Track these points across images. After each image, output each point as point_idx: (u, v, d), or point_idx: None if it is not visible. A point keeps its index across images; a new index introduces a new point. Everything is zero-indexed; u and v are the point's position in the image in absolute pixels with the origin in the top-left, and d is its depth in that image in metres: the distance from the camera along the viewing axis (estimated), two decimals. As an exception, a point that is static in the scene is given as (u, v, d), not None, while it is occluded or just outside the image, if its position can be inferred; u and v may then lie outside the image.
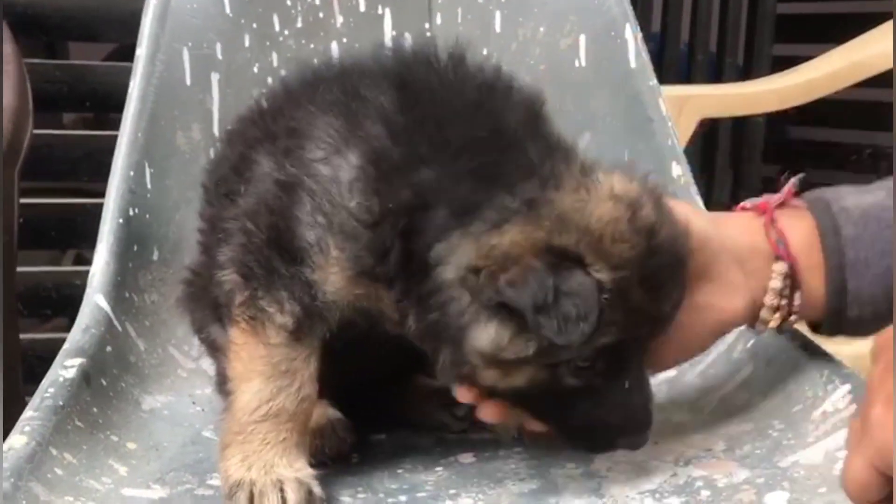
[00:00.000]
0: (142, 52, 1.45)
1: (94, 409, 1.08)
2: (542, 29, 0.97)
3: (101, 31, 2.36)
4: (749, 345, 1.21)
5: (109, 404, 1.13)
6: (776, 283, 1.01)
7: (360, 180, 0.94)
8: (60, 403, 1.02)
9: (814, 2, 3.76)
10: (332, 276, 0.96)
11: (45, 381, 1.07)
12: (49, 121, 2.31)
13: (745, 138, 3.16)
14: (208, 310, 1.17)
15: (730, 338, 1.24)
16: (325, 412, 1.09)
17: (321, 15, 1.53)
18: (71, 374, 1.08)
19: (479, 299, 0.88)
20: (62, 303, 2.27)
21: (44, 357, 2.00)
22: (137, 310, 1.33)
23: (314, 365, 0.99)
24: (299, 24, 1.53)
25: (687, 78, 3.05)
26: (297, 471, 0.95)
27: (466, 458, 1.07)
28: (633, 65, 1.52)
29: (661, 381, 1.27)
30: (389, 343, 1.03)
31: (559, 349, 0.87)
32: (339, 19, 1.54)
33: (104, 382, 1.14)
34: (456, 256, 0.89)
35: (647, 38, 1.85)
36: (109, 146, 2.18)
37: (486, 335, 0.89)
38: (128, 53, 3.04)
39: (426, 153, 0.93)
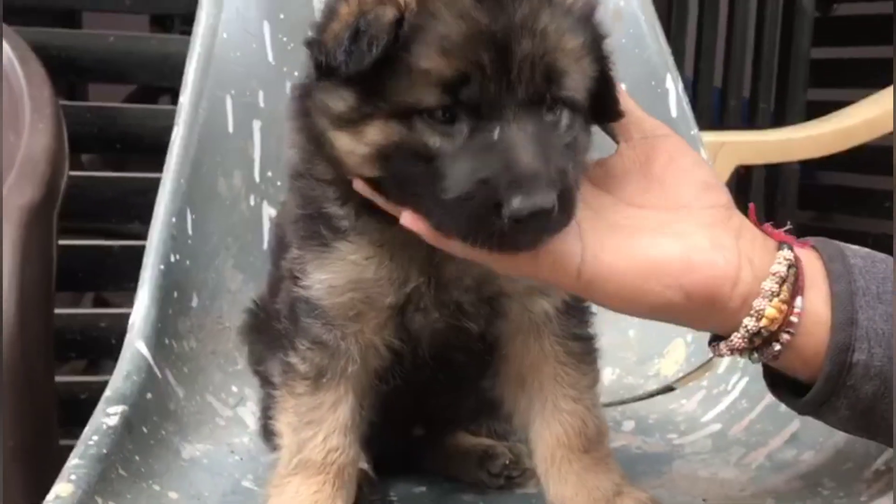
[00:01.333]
0: (185, 99, 1.49)
1: (137, 458, 1.11)
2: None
3: (130, 73, 2.42)
4: (796, 399, 1.23)
5: (150, 453, 1.15)
6: (780, 266, 0.89)
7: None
8: (105, 451, 1.05)
9: (847, 46, 3.78)
10: (315, 275, 1.00)
11: (88, 429, 1.09)
12: (70, 161, 2.35)
13: (780, 184, 3.19)
14: (269, 346, 1.20)
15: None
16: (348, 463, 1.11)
17: (362, 63, 1.58)
18: (114, 421, 1.11)
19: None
20: (87, 345, 2.29)
21: (66, 399, 2.06)
22: (177, 356, 1.36)
23: (344, 413, 1.02)
24: (340, 72, 1.57)
25: (720, 122, 3.08)
26: None
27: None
28: (674, 114, 1.56)
29: (706, 437, 1.29)
30: (431, 388, 1.09)
31: (375, 92, 0.85)
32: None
33: (145, 430, 1.17)
34: None
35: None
36: (137, 188, 2.26)
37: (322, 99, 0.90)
38: (148, 94, 3.14)
39: None
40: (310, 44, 0.89)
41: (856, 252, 0.91)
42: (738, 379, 1.36)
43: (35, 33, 2.10)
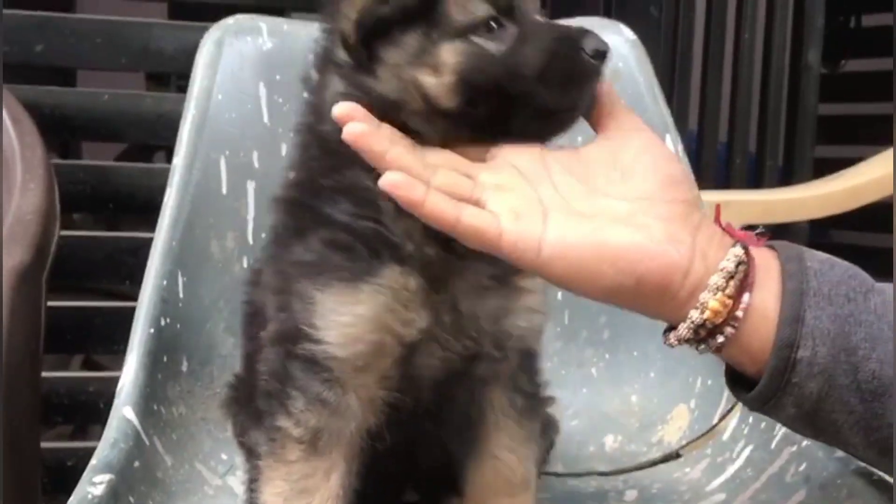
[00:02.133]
0: (179, 160, 1.52)
1: (123, 529, 1.12)
2: (580, 139, 1.02)
3: (126, 131, 2.45)
4: (801, 468, 1.23)
5: (137, 524, 1.16)
6: (729, 263, 0.92)
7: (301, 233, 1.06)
8: (90, 523, 1.06)
9: (855, 102, 3.83)
10: (335, 319, 0.99)
11: (73, 499, 1.10)
12: (61, 220, 2.38)
13: (790, 242, 3.20)
14: (251, 416, 1.20)
15: (781, 461, 1.27)
16: None
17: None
18: (100, 490, 1.11)
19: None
20: (74, 409, 2.30)
21: (52, 466, 2.05)
22: (165, 423, 1.36)
23: (336, 481, 1.02)
24: (336, 133, 1.61)
25: (726, 180, 3.11)
26: None
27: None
28: (674, 175, 1.58)
29: (711, 506, 1.30)
30: (424, 443, 1.12)
31: (440, 14, 0.96)
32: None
33: (132, 500, 1.17)
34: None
35: (684, 136, 1.89)
36: (128, 247, 2.28)
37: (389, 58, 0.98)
38: (141, 152, 3.18)
39: None
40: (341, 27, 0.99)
41: (814, 256, 0.95)
42: (743, 447, 1.37)
43: (28, 91, 2.14)
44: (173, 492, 1.28)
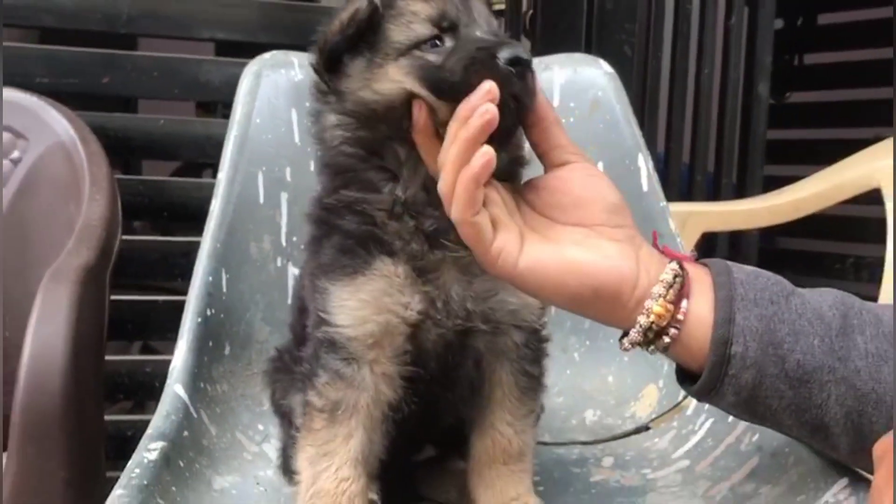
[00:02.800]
0: (223, 175, 1.51)
1: (173, 489, 1.11)
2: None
3: (178, 151, 2.45)
4: (755, 438, 1.22)
5: (186, 484, 1.15)
6: (667, 275, 0.95)
7: (324, 235, 1.09)
8: (145, 483, 1.05)
9: (800, 129, 3.83)
10: (344, 305, 1.02)
11: (131, 463, 1.09)
12: (123, 227, 2.39)
13: (742, 249, 3.19)
14: (290, 382, 1.21)
15: (737, 432, 1.26)
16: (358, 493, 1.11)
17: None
18: (154, 456, 1.11)
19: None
20: (134, 388, 2.29)
21: (114, 436, 2.05)
22: (210, 398, 1.36)
23: (356, 446, 1.03)
24: (357, 152, 1.60)
25: (688, 194, 3.10)
26: None
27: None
28: (644, 188, 1.58)
29: (676, 472, 1.28)
30: (439, 408, 1.12)
31: (382, 39, 1.00)
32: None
33: (181, 464, 1.17)
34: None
35: (653, 157, 1.90)
36: (180, 250, 2.28)
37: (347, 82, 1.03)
38: (192, 169, 3.17)
39: None
40: (329, 56, 1.04)
41: (741, 269, 0.98)
42: (704, 420, 1.36)
43: (96, 117, 2.13)
44: (217, 457, 1.28)
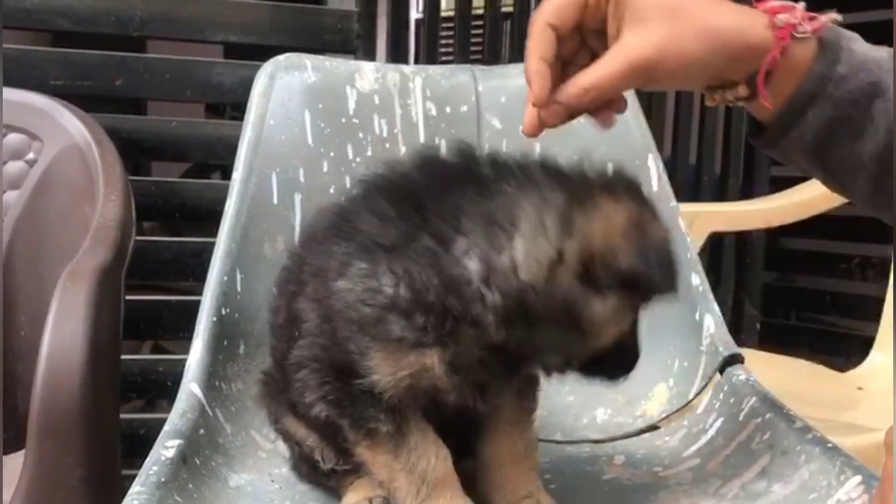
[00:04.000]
0: (237, 175, 1.52)
1: (190, 486, 1.11)
2: (575, 157, 1.02)
3: (189, 152, 2.46)
4: (765, 437, 1.22)
5: (202, 481, 1.15)
6: (730, 96, 0.96)
7: (367, 271, 0.97)
8: (163, 480, 1.05)
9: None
10: (379, 370, 0.98)
11: (148, 460, 1.10)
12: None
13: (748, 248, 3.19)
14: (283, 405, 1.21)
15: (748, 430, 1.26)
16: (369, 489, 1.13)
17: (387, 145, 1.61)
18: (171, 453, 1.12)
19: (595, 283, 0.91)
20: (146, 387, 2.30)
21: (127, 434, 2.06)
22: (225, 397, 1.36)
23: (430, 432, 1.03)
24: (369, 153, 1.60)
25: (695, 195, 3.11)
26: None
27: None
28: (654, 188, 1.58)
29: (687, 470, 1.28)
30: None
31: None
32: (402, 149, 1.61)
33: (198, 461, 1.17)
34: (526, 257, 0.90)
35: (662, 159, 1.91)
36: (192, 251, 2.29)
37: (612, 301, 0.93)
38: (201, 170, 3.19)
39: (420, 208, 0.96)
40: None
41: (850, 57, 0.92)
42: (715, 419, 1.35)
43: (109, 119, 2.14)
44: (232, 455, 1.28)
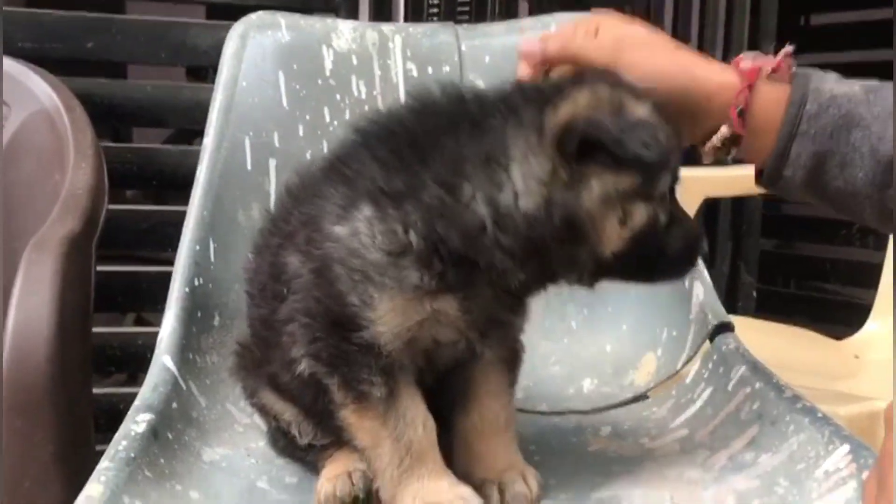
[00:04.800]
0: (209, 140, 1.50)
1: (162, 461, 1.10)
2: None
3: (167, 118, 2.43)
4: (755, 407, 1.21)
5: (174, 456, 1.14)
6: (716, 140, 1.06)
7: (377, 214, 0.97)
8: (132, 455, 1.04)
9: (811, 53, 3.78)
10: (385, 321, 0.97)
11: (118, 435, 1.09)
12: (113, 196, 2.37)
13: (745, 215, 3.17)
14: (260, 378, 1.20)
15: (737, 400, 1.25)
16: (348, 462, 1.12)
17: (366, 108, 1.58)
18: (141, 428, 1.10)
19: (567, 163, 0.94)
20: (126, 360, 2.29)
21: (107, 409, 2.05)
22: (199, 370, 1.35)
23: (420, 401, 1.03)
24: (347, 116, 1.58)
25: (690, 159, 3.08)
26: (458, 486, 1.02)
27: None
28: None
29: (674, 440, 1.28)
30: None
31: (656, 173, 0.96)
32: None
33: (170, 436, 1.16)
34: (518, 157, 0.95)
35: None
36: (171, 220, 2.26)
37: (597, 186, 0.94)
38: (183, 136, 3.15)
39: (420, 145, 0.99)
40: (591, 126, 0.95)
41: (818, 96, 1.03)
42: (703, 389, 1.35)
43: (81, 83, 2.11)
44: (206, 429, 1.27)
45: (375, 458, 1.03)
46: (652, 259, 1.01)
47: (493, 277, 0.98)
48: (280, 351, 1.10)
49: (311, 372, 1.05)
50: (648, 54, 1.05)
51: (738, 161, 1.09)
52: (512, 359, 1.13)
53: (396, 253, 0.96)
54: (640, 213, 0.97)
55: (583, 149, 0.93)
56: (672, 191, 1.02)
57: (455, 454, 1.11)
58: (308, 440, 1.18)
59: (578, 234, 0.96)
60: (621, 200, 0.95)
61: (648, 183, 0.96)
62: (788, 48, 1.07)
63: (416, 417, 1.02)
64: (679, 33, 2.97)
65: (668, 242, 1.01)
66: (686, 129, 1.06)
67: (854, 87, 1.04)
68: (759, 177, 1.11)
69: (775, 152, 1.03)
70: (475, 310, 1.00)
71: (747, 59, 1.07)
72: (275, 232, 1.15)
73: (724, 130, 1.05)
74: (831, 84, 1.04)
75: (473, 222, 0.95)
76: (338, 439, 1.12)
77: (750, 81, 1.04)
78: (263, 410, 1.23)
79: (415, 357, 1.03)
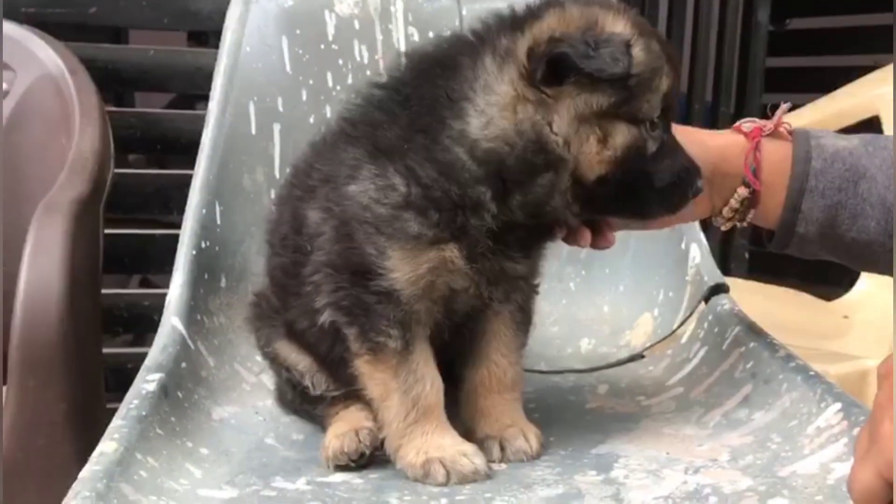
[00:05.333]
0: (213, 105, 1.48)
1: (172, 419, 1.11)
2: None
3: (169, 82, 2.41)
4: (749, 366, 1.22)
5: (185, 414, 1.15)
6: (735, 203, 1.09)
7: (378, 172, 1.00)
8: (144, 413, 1.05)
9: (799, 56, 3.76)
10: (398, 268, 1.00)
11: (129, 394, 1.09)
12: (117, 160, 2.36)
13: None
14: (276, 328, 1.21)
15: (731, 359, 1.26)
16: (355, 421, 1.13)
17: (368, 72, 1.57)
18: (152, 387, 1.11)
19: (533, 86, 0.94)
20: (133, 321, 2.30)
21: (115, 369, 2.06)
22: (207, 330, 1.35)
23: (431, 360, 1.05)
24: (349, 81, 1.57)
25: (686, 123, 3.06)
26: (462, 443, 1.04)
27: (500, 466, 1.07)
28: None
29: (670, 399, 1.29)
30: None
31: (635, 90, 0.94)
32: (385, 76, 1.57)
33: (180, 395, 1.17)
34: (495, 88, 0.96)
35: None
36: (175, 183, 2.25)
37: (570, 105, 0.94)
38: (186, 101, 3.12)
39: (406, 95, 1.02)
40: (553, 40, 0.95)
41: (822, 152, 1.06)
42: (699, 349, 1.36)
43: (84, 48, 2.08)
44: (215, 388, 1.28)
45: (384, 410, 1.05)
46: (640, 189, 1.00)
47: (484, 220, 0.99)
48: (299, 298, 1.12)
49: (332, 320, 1.06)
50: None
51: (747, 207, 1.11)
52: (523, 321, 1.14)
53: (398, 206, 0.99)
54: (621, 134, 0.95)
55: (556, 70, 0.93)
56: (667, 120, 1.00)
57: (461, 408, 1.13)
58: (321, 391, 1.19)
59: (554, 156, 0.96)
60: (598, 119, 0.95)
61: (628, 101, 0.95)
62: (785, 105, 1.08)
63: (426, 374, 1.04)
64: (673, 35, 2.94)
65: (658, 173, 0.99)
66: (707, 197, 1.10)
67: (853, 141, 1.06)
68: (770, 238, 1.13)
69: (787, 207, 1.06)
70: (479, 259, 1.02)
71: (747, 122, 1.11)
72: (296, 184, 1.17)
73: (741, 191, 1.08)
74: (831, 139, 1.06)
75: (450, 160, 0.97)
76: (348, 392, 1.14)
77: (756, 140, 1.07)
78: (276, 361, 1.23)
79: (432, 307, 1.04)
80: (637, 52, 0.95)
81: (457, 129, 0.97)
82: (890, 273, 1.05)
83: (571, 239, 1.08)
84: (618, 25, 0.96)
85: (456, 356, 1.14)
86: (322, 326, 1.08)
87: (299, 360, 1.20)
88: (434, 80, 0.99)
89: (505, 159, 0.97)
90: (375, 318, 1.02)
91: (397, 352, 1.03)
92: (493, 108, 0.96)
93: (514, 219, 1.00)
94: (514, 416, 1.12)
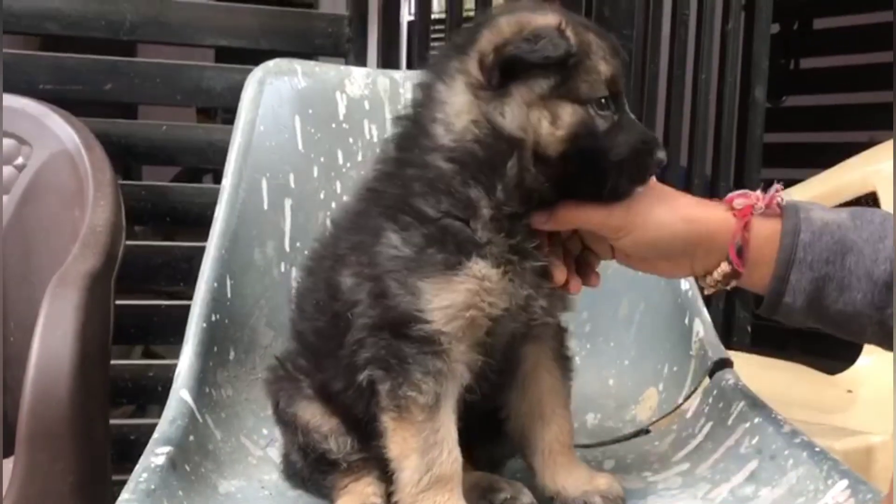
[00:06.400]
0: (227, 181, 1.52)
1: (180, 493, 1.11)
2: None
3: (180, 157, 2.45)
4: (754, 441, 1.23)
5: (192, 488, 1.16)
6: (717, 276, 1.11)
7: (396, 227, 1.09)
8: (152, 487, 1.06)
9: (796, 132, 3.83)
10: (436, 301, 1.05)
11: (138, 467, 1.10)
12: (125, 232, 2.39)
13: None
14: (303, 389, 1.24)
15: (737, 434, 1.27)
16: (364, 494, 1.15)
17: (377, 150, 1.61)
18: (161, 460, 1.12)
19: (489, 89, 1.05)
20: (136, 392, 2.30)
21: (116, 440, 2.05)
22: (215, 403, 1.37)
23: (454, 428, 1.07)
24: (359, 158, 1.62)
25: (686, 198, 3.10)
26: None
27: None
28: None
29: (676, 475, 1.29)
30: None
31: (570, 71, 1.04)
32: (394, 154, 1.61)
33: (188, 468, 1.18)
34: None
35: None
36: (182, 255, 2.28)
37: (518, 96, 1.04)
38: (192, 174, 3.18)
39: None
40: (499, 48, 1.05)
41: (810, 225, 1.07)
42: (704, 423, 1.36)
43: (99, 123, 2.14)
44: (222, 461, 1.28)
45: (400, 472, 1.06)
46: (598, 163, 1.06)
47: (485, 217, 1.07)
48: (335, 360, 1.16)
49: (370, 375, 1.09)
50: (647, 207, 1.10)
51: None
52: (569, 369, 1.22)
53: (421, 245, 1.06)
54: (567, 113, 1.04)
55: (506, 72, 1.04)
56: (617, 100, 1.07)
57: (540, 469, 1.18)
58: (342, 454, 1.20)
59: (511, 138, 1.05)
60: (545, 102, 1.04)
61: (566, 82, 1.04)
62: (778, 186, 1.12)
63: (446, 440, 1.05)
64: (676, 48, 3.00)
65: (613, 147, 1.05)
66: (688, 264, 1.13)
67: (841, 215, 1.09)
68: (759, 305, 1.15)
69: (775, 277, 1.08)
70: (504, 264, 1.07)
71: (739, 198, 1.13)
72: (325, 255, 1.24)
73: (724, 268, 1.10)
74: (820, 213, 1.09)
75: (436, 173, 1.08)
76: (367, 458, 1.17)
77: (745, 219, 1.09)
78: (293, 423, 1.24)
79: (469, 353, 1.08)
80: (569, 33, 1.05)
81: (430, 144, 1.09)
82: (881, 345, 1.07)
83: (564, 286, 1.13)
84: (546, 19, 1.07)
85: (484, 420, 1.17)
86: (360, 386, 1.11)
87: (323, 423, 1.21)
88: (406, 124, 1.14)
89: (475, 153, 1.07)
90: (412, 370, 1.05)
91: (425, 409, 1.05)
92: (451, 116, 1.08)
93: (509, 209, 1.07)
94: (588, 469, 1.20)
